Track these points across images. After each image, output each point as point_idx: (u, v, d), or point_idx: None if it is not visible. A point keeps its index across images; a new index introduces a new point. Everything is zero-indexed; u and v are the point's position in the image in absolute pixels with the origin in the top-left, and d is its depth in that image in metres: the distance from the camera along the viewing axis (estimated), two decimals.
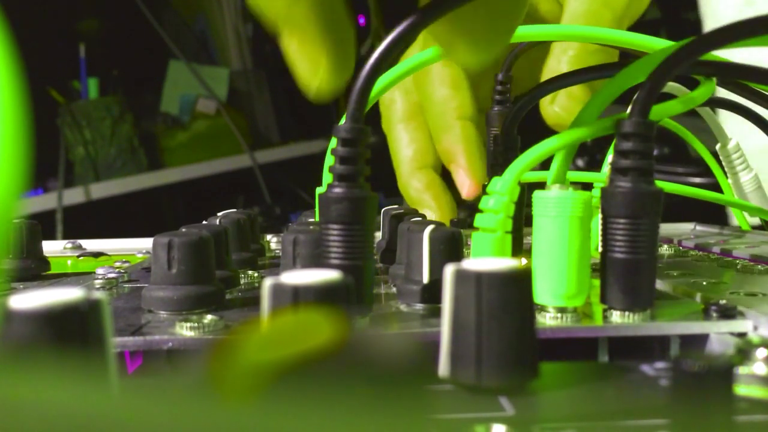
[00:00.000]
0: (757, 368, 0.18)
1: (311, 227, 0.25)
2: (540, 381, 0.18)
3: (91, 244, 0.48)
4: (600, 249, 0.23)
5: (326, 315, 0.09)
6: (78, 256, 0.42)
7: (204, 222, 0.35)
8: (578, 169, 0.88)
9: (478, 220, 0.23)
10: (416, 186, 0.47)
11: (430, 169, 0.49)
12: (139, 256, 0.42)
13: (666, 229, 0.53)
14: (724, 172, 0.53)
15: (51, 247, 0.44)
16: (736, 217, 0.54)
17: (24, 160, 0.10)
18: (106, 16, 1.49)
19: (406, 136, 0.49)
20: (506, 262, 0.18)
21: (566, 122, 0.41)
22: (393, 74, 0.30)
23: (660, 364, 0.20)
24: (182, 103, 1.57)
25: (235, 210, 0.38)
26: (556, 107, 0.42)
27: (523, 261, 0.19)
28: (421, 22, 0.22)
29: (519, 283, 0.18)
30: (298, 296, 0.17)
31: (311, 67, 0.22)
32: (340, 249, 0.22)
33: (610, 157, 0.35)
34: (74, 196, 1.42)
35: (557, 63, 0.43)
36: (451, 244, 0.25)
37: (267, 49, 1.58)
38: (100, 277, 0.31)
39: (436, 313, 0.20)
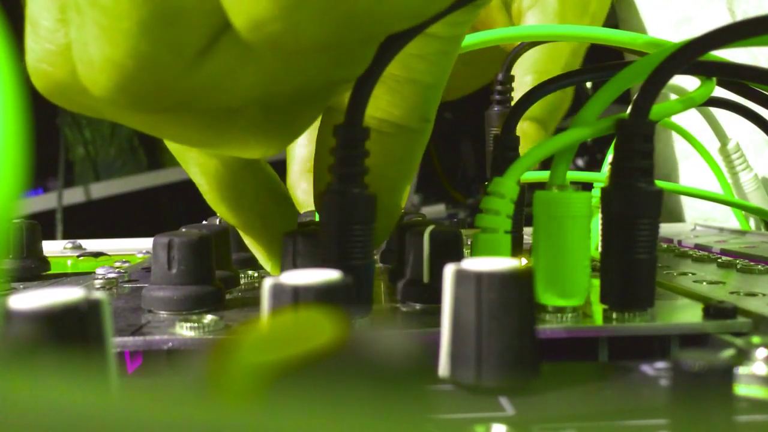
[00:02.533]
0: (757, 368, 0.18)
1: (311, 227, 0.25)
2: (540, 381, 0.18)
3: (91, 244, 0.48)
4: (600, 249, 0.23)
5: (326, 315, 0.09)
6: (78, 256, 0.42)
7: (204, 222, 0.35)
8: (578, 169, 0.88)
9: (478, 220, 0.23)
10: (305, 188, 0.43)
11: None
12: (139, 256, 0.42)
13: (666, 229, 0.53)
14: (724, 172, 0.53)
15: (51, 247, 0.44)
16: (736, 217, 0.54)
17: (24, 160, 0.10)
18: None
19: (306, 134, 0.41)
20: (506, 262, 0.18)
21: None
22: None
23: (660, 364, 0.20)
24: None
25: None
26: None
27: (523, 261, 0.19)
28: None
29: (519, 283, 0.18)
30: (298, 296, 0.17)
31: (262, 256, 0.29)
32: (339, 249, 0.22)
33: (610, 157, 0.35)
34: (74, 196, 1.42)
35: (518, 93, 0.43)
36: (451, 244, 0.25)
37: None
38: (100, 277, 0.31)
39: (436, 313, 0.20)
